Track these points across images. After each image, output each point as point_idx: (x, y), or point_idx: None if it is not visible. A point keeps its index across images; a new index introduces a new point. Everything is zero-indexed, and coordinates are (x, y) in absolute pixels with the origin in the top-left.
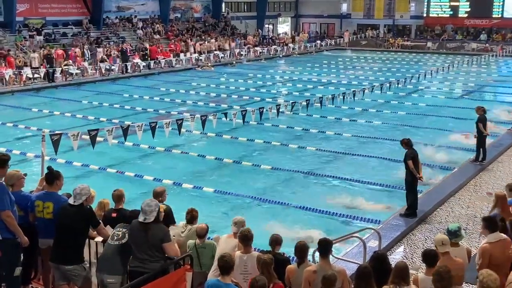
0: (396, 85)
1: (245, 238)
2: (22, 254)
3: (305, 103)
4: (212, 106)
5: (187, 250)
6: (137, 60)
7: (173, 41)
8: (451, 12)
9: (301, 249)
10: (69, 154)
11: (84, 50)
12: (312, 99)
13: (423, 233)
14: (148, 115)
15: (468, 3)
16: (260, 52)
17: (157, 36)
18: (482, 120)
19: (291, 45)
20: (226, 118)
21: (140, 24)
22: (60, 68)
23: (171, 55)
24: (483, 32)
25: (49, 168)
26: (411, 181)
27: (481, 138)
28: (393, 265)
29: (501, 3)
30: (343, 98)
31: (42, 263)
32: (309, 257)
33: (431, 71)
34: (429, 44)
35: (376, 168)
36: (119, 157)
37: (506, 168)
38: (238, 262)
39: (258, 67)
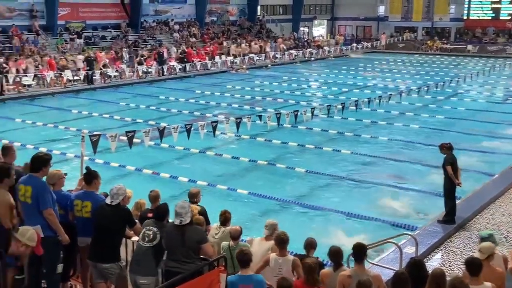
0: (435, 89)
1: (281, 241)
2: (62, 252)
3: (340, 106)
4: (246, 108)
5: (220, 251)
6: (173, 62)
7: (208, 44)
8: (493, 15)
9: (336, 254)
10: (107, 154)
11: (122, 53)
12: (347, 102)
13: (462, 240)
14: (183, 117)
15: (511, 5)
16: (295, 55)
17: (193, 39)
18: None
19: (326, 48)
20: (261, 121)
21: (177, 27)
22: (99, 71)
23: (207, 58)
24: None
25: (87, 168)
26: (450, 187)
27: None
28: (430, 272)
29: None
30: (379, 101)
31: (80, 261)
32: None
33: (471, 74)
34: (469, 47)
35: (413, 172)
36: (155, 158)
37: None
38: (273, 265)
39: (293, 70)
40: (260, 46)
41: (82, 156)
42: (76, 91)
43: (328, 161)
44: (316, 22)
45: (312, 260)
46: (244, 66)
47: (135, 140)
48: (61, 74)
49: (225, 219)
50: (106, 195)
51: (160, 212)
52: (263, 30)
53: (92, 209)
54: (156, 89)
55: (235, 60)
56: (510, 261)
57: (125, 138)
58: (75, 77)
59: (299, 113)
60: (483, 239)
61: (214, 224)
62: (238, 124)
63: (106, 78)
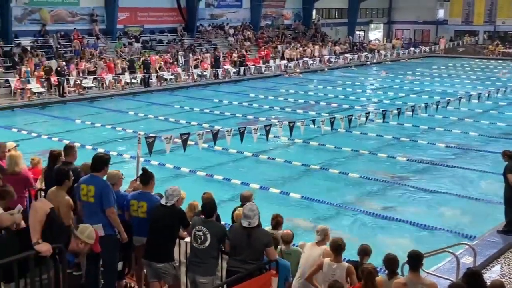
0: (496, 95)
1: (339, 248)
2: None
3: (396, 111)
4: (300, 112)
5: None
6: (227, 66)
7: (262, 47)
8: None
9: (392, 261)
10: (162, 156)
11: (178, 56)
12: (404, 108)
13: None
14: (236, 120)
15: None
16: (350, 59)
17: (248, 43)
18: None
19: (382, 52)
20: (314, 125)
21: (231, 31)
22: (156, 74)
23: (261, 61)
24: None
25: (144, 169)
26: (510, 196)
27: None
28: (488, 284)
29: None
30: (437, 106)
31: (135, 259)
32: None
33: None
34: None
35: (471, 180)
36: (208, 160)
37: None
38: (326, 270)
39: (347, 74)
40: (311, 50)
41: (138, 157)
42: (133, 93)
43: (382, 167)
44: (372, 25)
45: (371, 265)
46: (297, 70)
47: (189, 142)
48: (119, 77)
49: (276, 223)
50: (161, 196)
51: (208, 209)
52: (318, 34)
53: (148, 209)
54: (211, 92)
55: (289, 64)
56: None
57: (179, 140)
58: (132, 80)
59: (353, 117)
60: None
61: (266, 227)
62: (291, 128)
63: (162, 81)
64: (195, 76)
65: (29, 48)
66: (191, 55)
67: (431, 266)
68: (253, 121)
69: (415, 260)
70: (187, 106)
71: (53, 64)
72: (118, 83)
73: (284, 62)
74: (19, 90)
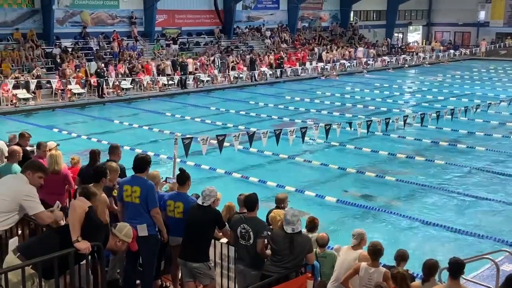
0: None
1: (377, 252)
2: None
3: (435, 115)
4: (336, 115)
5: None
6: (264, 68)
7: (299, 50)
8: None
9: (431, 267)
10: (198, 157)
11: (215, 58)
12: (443, 111)
13: None
14: (272, 122)
15: None
16: (388, 62)
17: (284, 45)
18: None
19: (421, 54)
20: (351, 128)
21: (268, 34)
22: (192, 76)
23: (297, 63)
24: None
25: (181, 169)
26: None
27: None
28: None
29: None
30: (476, 110)
31: (171, 259)
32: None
33: None
34: None
35: None
36: (244, 162)
37: None
38: (362, 274)
39: (385, 76)
40: (348, 52)
41: (174, 158)
42: (170, 95)
43: (420, 171)
44: (411, 27)
45: (405, 270)
46: (334, 72)
47: (225, 144)
48: (156, 78)
49: (312, 225)
50: (197, 197)
51: (250, 202)
52: (356, 36)
53: (184, 209)
54: (247, 94)
55: (326, 66)
56: None
57: (215, 141)
58: (170, 82)
59: (390, 121)
60: None
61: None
62: (327, 131)
63: (198, 83)
64: (232, 78)
65: (70, 50)
66: (228, 57)
67: (470, 272)
68: (289, 123)
69: (456, 268)
70: (223, 107)
71: (93, 66)
72: (155, 85)
73: (321, 64)
74: (59, 91)
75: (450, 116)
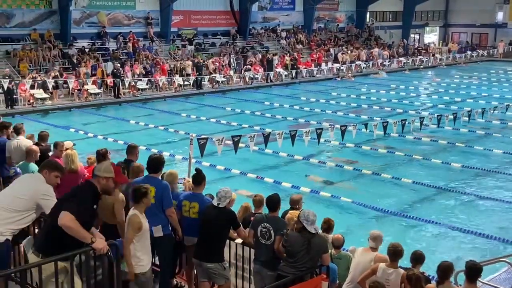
0: None
1: (397, 253)
2: None
3: (451, 117)
4: (352, 116)
5: None
6: (279, 69)
7: (315, 50)
8: None
9: (446, 269)
10: (213, 157)
11: (231, 59)
12: (460, 113)
13: None
14: (287, 123)
15: None
16: (404, 63)
17: (300, 46)
18: None
19: (438, 55)
20: (366, 129)
21: (284, 34)
22: (208, 76)
23: (313, 64)
24: None
25: (197, 169)
26: None
27: None
28: None
29: None
30: (493, 112)
31: (186, 259)
32: (451, 279)
33: None
34: None
35: None
36: (259, 163)
37: None
38: (380, 275)
39: (401, 78)
40: (364, 54)
41: (190, 158)
42: (185, 95)
43: (436, 173)
44: (427, 28)
45: (419, 272)
46: (349, 74)
47: (240, 144)
48: (172, 79)
49: (328, 226)
50: (211, 197)
51: (272, 202)
52: (372, 37)
53: (200, 210)
54: (262, 95)
55: (341, 67)
56: None
57: (230, 142)
58: (185, 82)
59: (407, 122)
60: None
61: None
62: (343, 132)
63: (214, 84)
64: (247, 79)
65: (87, 50)
66: (243, 58)
67: (486, 275)
68: (304, 124)
69: (474, 271)
70: (238, 108)
71: (109, 66)
72: (171, 85)
73: (337, 65)
74: (76, 91)
75: (467, 118)
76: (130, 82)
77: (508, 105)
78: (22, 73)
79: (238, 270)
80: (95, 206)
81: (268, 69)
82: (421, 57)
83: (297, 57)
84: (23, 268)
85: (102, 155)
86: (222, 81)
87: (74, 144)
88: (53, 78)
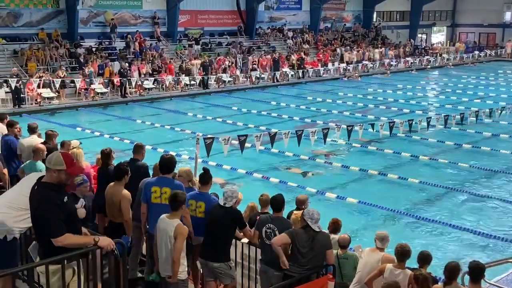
0: None
1: (406, 254)
2: None
3: (459, 117)
4: (358, 116)
5: None
6: (286, 69)
7: (321, 50)
8: None
9: (453, 270)
10: (219, 157)
11: (237, 59)
12: (467, 113)
13: None
14: (294, 123)
15: None
16: (411, 63)
17: (306, 46)
18: None
19: (445, 55)
20: (373, 129)
21: (290, 34)
22: (215, 76)
23: (319, 64)
24: None
25: (205, 169)
26: None
27: None
28: None
29: None
30: (501, 112)
31: (192, 259)
32: (458, 280)
33: None
34: None
35: None
36: (265, 162)
37: None
38: (387, 275)
39: (408, 78)
40: (371, 53)
41: (196, 158)
42: (192, 95)
43: (443, 173)
44: (435, 28)
45: (426, 272)
46: (356, 73)
47: (246, 144)
48: (179, 78)
49: (336, 227)
50: (217, 196)
51: (277, 202)
52: (379, 37)
53: (206, 209)
54: (268, 95)
55: (348, 67)
56: None
57: (237, 142)
58: (192, 82)
59: (413, 122)
60: None
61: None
62: (349, 132)
63: (220, 83)
64: (253, 79)
65: (94, 49)
66: (250, 57)
67: (493, 276)
68: (311, 124)
69: (476, 272)
70: (244, 108)
71: (116, 65)
72: (177, 85)
73: (343, 65)
74: (83, 90)
75: (474, 118)
76: (136, 82)
77: None
78: (30, 72)
79: (244, 269)
80: (66, 198)
81: (274, 68)
82: (428, 57)
83: (304, 56)
84: (29, 267)
85: (106, 155)
86: (228, 81)
87: (80, 143)
88: (60, 77)
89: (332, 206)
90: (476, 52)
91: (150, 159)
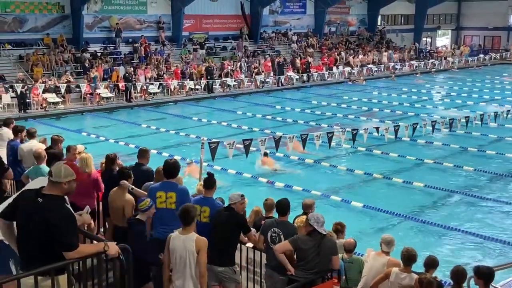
0: None
1: (412, 258)
2: None
3: (464, 120)
4: (363, 120)
5: None
6: (290, 73)
7: (326, 54)
8: None
9: (460, 274)
10: (224, 161)
11: (241, 63)
12: (472, 116)
13: None
14: (299, 127)
15: None
16: (416, 66)
17: (311, 50)
18: None
19: (450, 59)
20: (378, 133)
21: (295, 38)
22: (219, 80)
23: (324, 68)
24: None
25: (209, 173)
26: None
27: None
28: None
29: None
30: (506, 115)
31: None
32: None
33: None
34: None
35: None
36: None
37: None
38: (393, 279)
39: (413, 81)
40: (376, 57)
41: (201, 162)
42: (197, 99)
43: (448, 177)
44: (439, 32)
45: (432, 276)
46: (361, 77)
47: (251, 148)
48: (183, 82)
49: (340, 230)
50: (221, 200)
51: (282, 207)
52: (383, 40)
53: (211, 214)
54: (273, 99)
55: (353, 71)
56: None
57: (241, 146)
58: (196, 86)
59: (418, 126)
60: None
61: None
62: (354, 136)
63: (225, 87)
64: (258, 83)
65: (99, 54)
66: (255, 61)
67: (500, 280)
68: (316, 128)
69: (486, 276)
70: (249, 112)
71: (121, 70)
72: (182, 89)
73: (348, 69)
74: (88, 95)
75: (479, 122)
76: (142, 86)
77: None
78: (36, 77)
79: (250, 273)
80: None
81: (279, 73)
82: (433, 60)
83: (309, 60)
84: (35, 272)
85: (111, 160)
86: (233, 85)
87: (85, 148)
88: (65, 82)
89: (337, 209)
90: (481, 55)
91: (155, 164)
